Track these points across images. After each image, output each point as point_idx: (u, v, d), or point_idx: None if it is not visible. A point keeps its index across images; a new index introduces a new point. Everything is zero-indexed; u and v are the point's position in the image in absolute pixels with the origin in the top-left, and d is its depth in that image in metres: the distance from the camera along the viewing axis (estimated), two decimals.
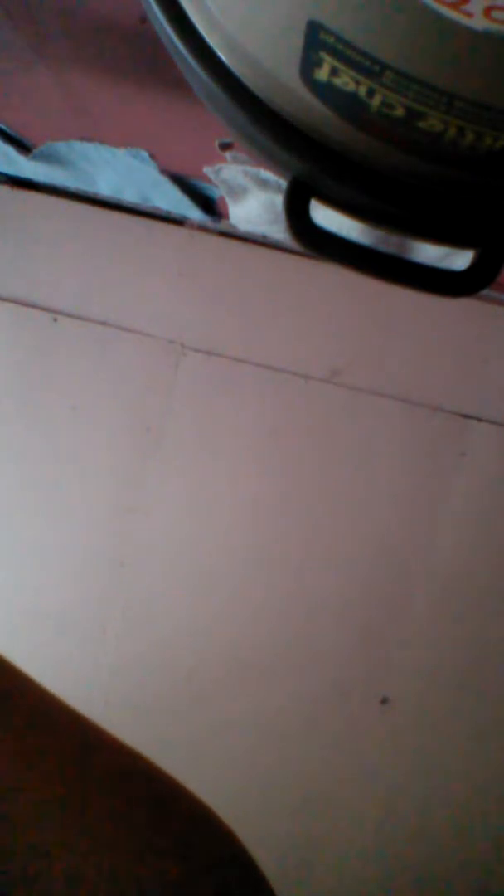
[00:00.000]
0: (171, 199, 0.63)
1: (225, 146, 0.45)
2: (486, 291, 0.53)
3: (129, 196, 0.66)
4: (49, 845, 0.21)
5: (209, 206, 0.64)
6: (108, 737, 0.26)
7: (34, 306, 0.78)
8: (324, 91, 0.21)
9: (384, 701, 0.78)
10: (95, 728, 0.26)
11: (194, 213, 0.66)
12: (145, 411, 0.77)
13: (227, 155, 0.46)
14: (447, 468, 0.75)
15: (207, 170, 0.50)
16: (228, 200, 0.57)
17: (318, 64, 0.20)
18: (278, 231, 0.65)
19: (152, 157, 0.52)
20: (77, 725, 0.25)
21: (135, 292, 0.77)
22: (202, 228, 0.75)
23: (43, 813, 0.22)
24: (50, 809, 0.22)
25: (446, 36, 0.17)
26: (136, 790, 0.24)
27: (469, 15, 0.16)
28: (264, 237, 0.70)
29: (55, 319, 0.77)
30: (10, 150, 0.59)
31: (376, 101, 0.20)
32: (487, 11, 0.15)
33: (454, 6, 0.16)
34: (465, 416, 0.75)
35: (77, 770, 0.23)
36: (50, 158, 0.59)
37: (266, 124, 0.24)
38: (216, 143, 0.45)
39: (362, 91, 0.20)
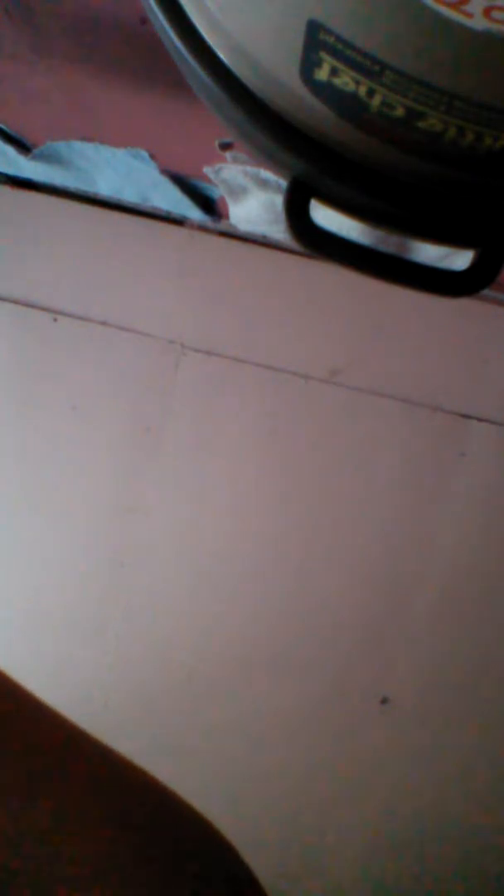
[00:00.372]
0: (171, 199, 0.63)
1: (225, 146, 0.45)
2: (486, 291, 0.53)
3: (129, 196, 0.66)
4: (38, 852, 0.21)
5: (209, 206, 0.64)
6: (101, 745, 0.26)
7: (34, 306, 0.78)
8: (324, 91, 0.21)
9: (384, 701, 0.78)
10: (84, 734, 0.26)
11: (194, 213, 0.66)
12: (145, 411, 0.77)
13: (227, 155, 0.46)
14: (447, 468, 0.75)
15: (207, 170, 0.50)
16: (228, 200, 0.57)
17: (318, 64, 0.20)
18: (278, 231, 0.65)
19: (152, 157, 0.52)
20: (63, 729, 0.25)
21: (135, 292, 0.77)
22: (202, 228, 0.75)
23: (30, 823, 0.21)
24: (36, 819, 0.22)
25: (446, 36, 0.17)
26: (127, 798, 0.24)
27: (469, 15, 0.16)
28: (264, 237, 0.70)
29: (55, 319, 0.77)
30: (10, 150, 0.59)
31: (376, 101, 0.20)
32: (487, 11, 0.15)
33: (454, 6, 0.16)
34: (465, 416, 0.75)
35: (69, 777, 0.23)
36: (50, 158, 0.59)
37: (266, 124, 0.24)
38: (216, 143, 0.45)
39: (362, 91, 0.20)
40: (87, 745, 0.25)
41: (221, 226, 0.70)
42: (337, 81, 0.20)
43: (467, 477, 0.75)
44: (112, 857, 0.22)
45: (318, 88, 0.21)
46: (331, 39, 0.19)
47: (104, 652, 0.80)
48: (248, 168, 0.48)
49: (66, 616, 0.80)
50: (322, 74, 0.20)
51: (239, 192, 0.54)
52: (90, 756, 0.25)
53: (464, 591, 0.76)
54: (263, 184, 0.50)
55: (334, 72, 0.20)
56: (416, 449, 0.75)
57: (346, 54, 0.19)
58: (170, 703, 0.80)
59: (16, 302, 0.78)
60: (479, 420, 0.75)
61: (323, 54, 0.19)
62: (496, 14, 0.15)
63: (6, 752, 0.23)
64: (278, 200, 0.53)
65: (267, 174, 0.48)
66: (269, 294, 0.75)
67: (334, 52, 0.19)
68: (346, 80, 0.20)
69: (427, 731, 0.78)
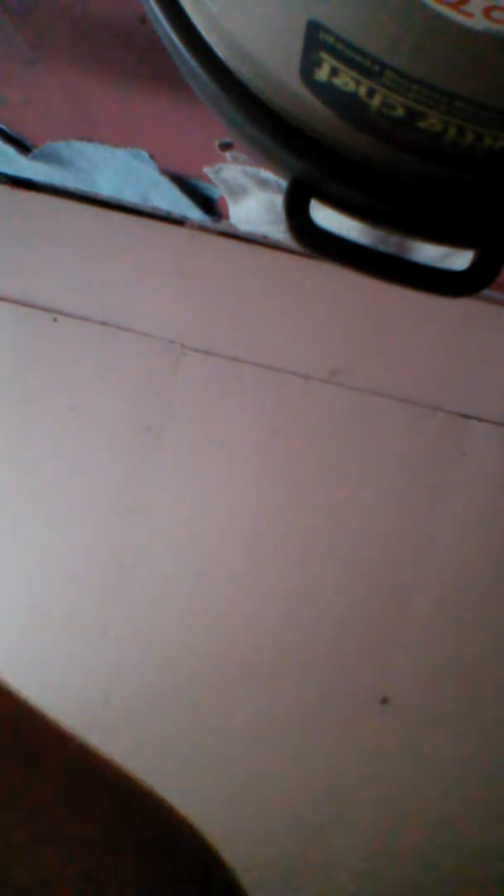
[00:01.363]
0: (171, 199, 0.63)
1: (225, 146, 0.45)
2: (486, 291, 0.53)
3: (129, 196, 0.66)
4: (30, 848, 0.21)
5: (209, 206, 0.64)
6: (93, 751, 0.26)
7: (34, 306, 0.78)
8: (324, 91, 0.21)
9: (384, 701, 0.78)
10: (79, 742, 0.26)
11: (194, 213, 0.66)
12: (145, 411, 0.77)
13: (227, 155, 0.46)
14: (447, 468, 0.75)
15: (207, 170, 0.50)
16: (228, 200, 0.57)
17: (318, 64, 0.20)
18: (278, 231, 0.65)
19: (152, 157, 0.52)
20: (61, 737, 0.25)
21: (135, 292, 0.77)
22: (202, 228, 0.75)
23: (29, 818, 0.22)
24: (29, 817, 0.22)
25: (446, 36, 0.17)
26: (116, 804, 0.24)
27: (469, 15, 0.16)
28: (264, 237, 0.70)
29: (55, 319, 0.77)
30: (10, 150, 0.59)
31: (376, 101, 0.20)
32: (487, 11, 0.15)
33: (454, 6, 0.16)
34: (465, 416, 0.75)
35: (65, 779, 0.23)
36: (50, 158, 0.59)
37: (266, 124, 0.24)
38: (216, 143, 0.45)
39: (362, 91, 0.20)
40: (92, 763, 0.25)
41: (221, 226, 0.70)
42: (337, 81, 0.20)
43: (467, 477, 0.75)
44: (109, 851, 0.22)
45: (318, 89, 0.21)
46: (331, 39, 0.19)
47: (104, 652, 0.80)
48: (248, 168, 0.48)
49: (66, 616, 0.80)
50: (322, 75, 0.20)
51: (239, 192, 0.54)
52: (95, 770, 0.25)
53: (464, 592, 0.76)
54: (263, 184, 0.50)
55: (334, 72, 0.20)
56: (416, 449, 0.75)
57: (346, 54, 0.19)
58: (170, 703, 0.80)
59: (16, 302, 0.78)
60: (479, 420, 0.75)
61: (323, 54, 0.19)
62: (496, 14, 0.15)
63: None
64: (278, 200, 0.53)
65: (267, 174, 0.48)
66: (269, 294, 0.75)
67: (334, 52, 0.19)
68: (346, 80, 0.20)
69: (427, 731, 0.78)
